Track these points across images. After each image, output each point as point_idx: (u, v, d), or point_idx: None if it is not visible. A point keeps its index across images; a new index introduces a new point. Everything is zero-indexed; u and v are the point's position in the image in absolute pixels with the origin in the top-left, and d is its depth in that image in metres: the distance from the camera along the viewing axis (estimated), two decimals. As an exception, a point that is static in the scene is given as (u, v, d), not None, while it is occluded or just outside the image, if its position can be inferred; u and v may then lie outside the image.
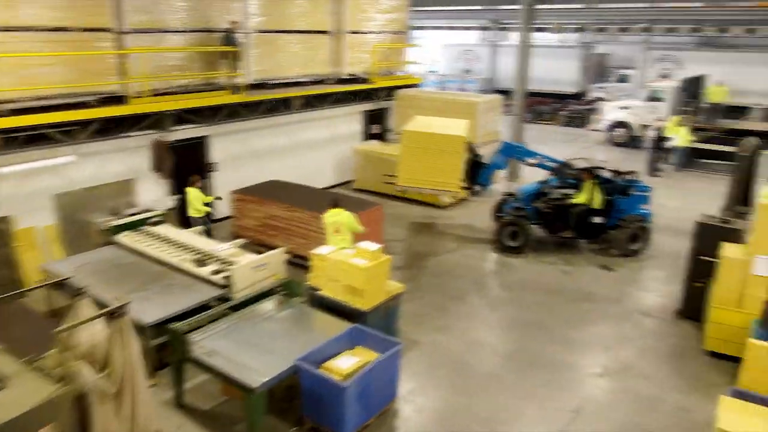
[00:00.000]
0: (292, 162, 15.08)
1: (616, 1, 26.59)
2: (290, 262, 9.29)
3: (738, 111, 25.72)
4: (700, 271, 8.92)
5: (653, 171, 18.39)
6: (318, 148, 15.96)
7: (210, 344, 6.65)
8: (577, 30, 31.14)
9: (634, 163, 19.93)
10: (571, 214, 11.74)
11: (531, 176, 16.27)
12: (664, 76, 29.00)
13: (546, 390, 7.56)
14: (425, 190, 12.48)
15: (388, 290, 7.87)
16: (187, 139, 12.53)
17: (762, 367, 6.52)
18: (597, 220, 11.75)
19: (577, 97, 31.71)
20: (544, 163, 12.27)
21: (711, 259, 8.70)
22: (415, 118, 13.09)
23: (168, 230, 9.80)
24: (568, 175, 12.08)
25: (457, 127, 12.33)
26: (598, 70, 34.25)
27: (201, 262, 8.49)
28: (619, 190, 11.80)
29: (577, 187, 11.98)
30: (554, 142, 23.66)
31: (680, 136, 18.57)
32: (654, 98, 22.12)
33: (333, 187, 16.56)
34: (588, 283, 10.79)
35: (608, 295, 10.33)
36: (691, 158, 19.40)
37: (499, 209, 13.11)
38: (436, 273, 11.10)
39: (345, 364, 6.38)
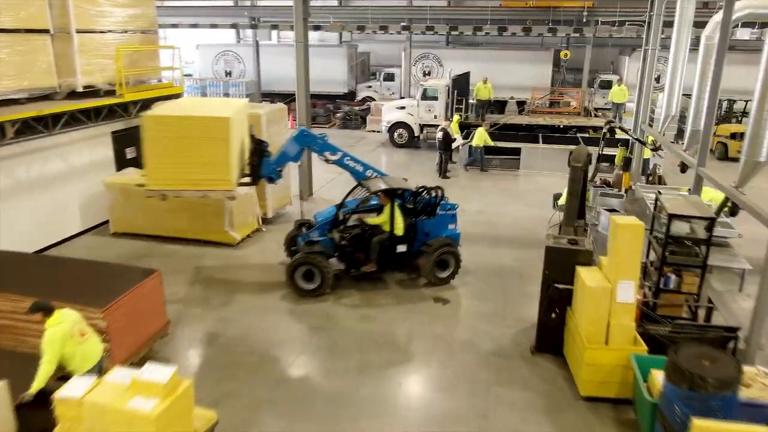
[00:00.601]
0: (19, 209, 10.95)
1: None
2: (20, 406, 5.53)
3: (499, 105, 27.38)
4: (554, 301, 7.86)
5: (444, 173, 17.95)
6: (56, 185, 11.93)
7: None
8: (341, 28, 30.23)
9: (420, 164, 19.62)
10: (372, 245, 9.95)
11: (331, 193, 15.45)
12: (427, 74, 29.72)
13: None
14: (186, 192, 9.59)
15: None
16: None
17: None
18: (401, 248, 10.10)
19: (347, 97, 30.97)
20: (347, 163, 10.47)
21: (566, 287, 7.68)
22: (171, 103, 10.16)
23: None
24: (367, 197, 10.55)
25: (222, 108, 9.75)
26: (363, 69, 34.04)
27: None
28: (424, 210, 10.42)
29: (378, 209, 10.41)
30: (337, 148, 22.28)
31: (477, 136, 18.44)
32: (429, 97, 21.96)
33: (84, 232, 12.66)
34: (407, 324, 9.17)
35: (442, 335, 8.85)
36: (481, 156, 19.57)
37: (291, 242, 10.91)
38: (233, 357, 8.47)
39: None
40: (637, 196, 12.35)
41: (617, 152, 13.46)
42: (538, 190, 16.72)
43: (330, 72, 29.77)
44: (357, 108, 27.45)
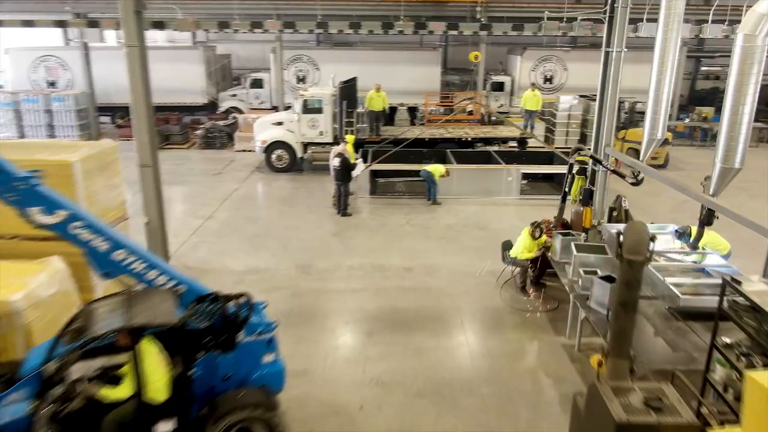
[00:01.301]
0: None
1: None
2: None
3: (390, 113, 24.02)
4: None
5: (343, 209, 14.11)
6: None
7: None
8: (193, 27, 25.19)
9: (308, 196, 15.64)
10: (103, 429, 5.21)
11: (200, 253, 10.44)
12: (302, 80, 25.67)
13: None
14: None
15: None
16: None
17: None
18: (164, 428, 5.30)
19: (208, 108, 26.02)
20: (76, 235, 5.49)
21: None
22: None
23: None
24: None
25: None
26: (225, 74, 29.16)
27: None
28: (217, 338, 5.70)
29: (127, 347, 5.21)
30: (198, 177, 17.57)
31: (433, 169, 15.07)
32: (311, 109, 17.98)
33: None
34: None
35: None
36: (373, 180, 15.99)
37: None
38: None
39: None
40: (605, 237, 9.44)
41: (574, 182, 10.48)
42: (465, 225, 13.49)
43: (184, 79, 24.68)
44: (221, 123, 22.69)
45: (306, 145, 18.30)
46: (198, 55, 25.36)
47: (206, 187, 16.48)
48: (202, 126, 21.96)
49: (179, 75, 24.81)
